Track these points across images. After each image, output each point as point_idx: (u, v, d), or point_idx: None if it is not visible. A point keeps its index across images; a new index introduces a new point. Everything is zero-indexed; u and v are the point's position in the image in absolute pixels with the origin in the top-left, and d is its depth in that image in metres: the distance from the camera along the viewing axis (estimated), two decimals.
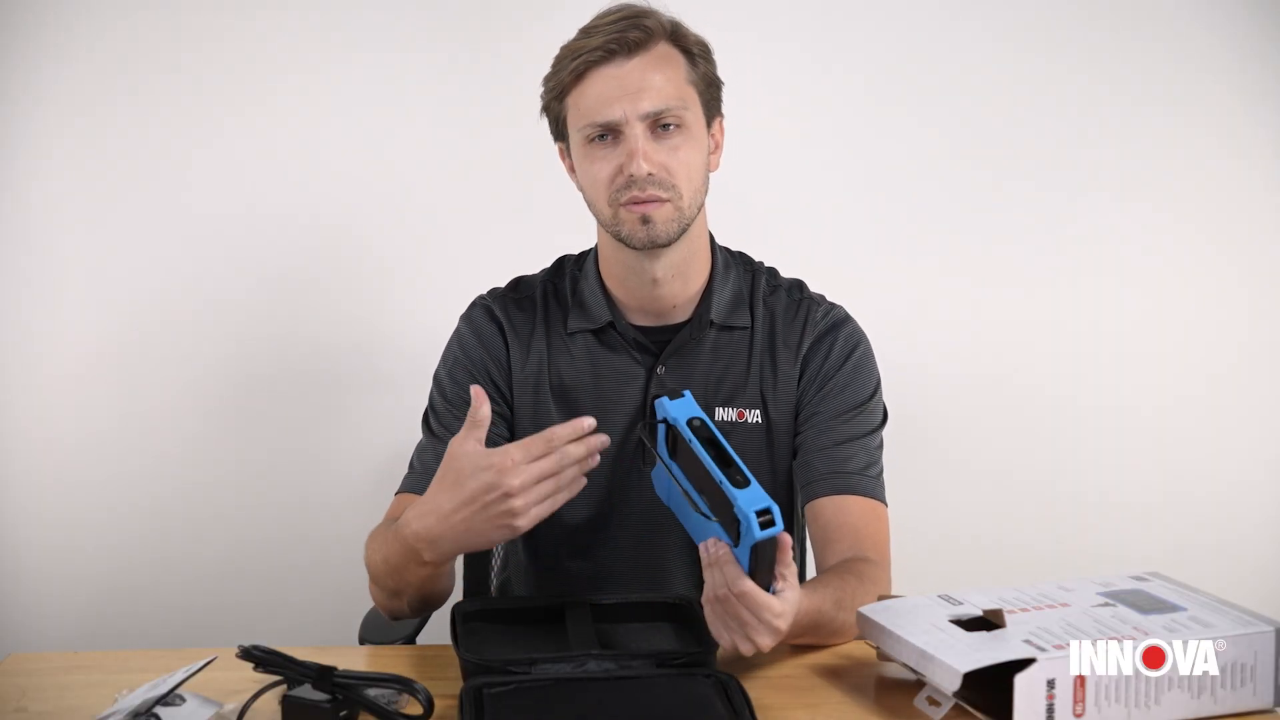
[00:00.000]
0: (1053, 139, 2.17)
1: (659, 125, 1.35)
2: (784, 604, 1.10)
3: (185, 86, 2.07)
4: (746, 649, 1.12)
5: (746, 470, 1.08)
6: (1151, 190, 2.18)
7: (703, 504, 1.11)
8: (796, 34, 2.13)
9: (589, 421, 1.17)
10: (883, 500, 1.44)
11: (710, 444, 1.11)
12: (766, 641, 1.11)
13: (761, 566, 1.07)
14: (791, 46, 2.13)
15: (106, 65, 2.06)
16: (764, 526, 1.05)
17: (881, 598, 1.24)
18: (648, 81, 1.34)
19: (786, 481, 1.49)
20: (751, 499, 1.05)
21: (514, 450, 1.15)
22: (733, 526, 1.07)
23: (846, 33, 2.14)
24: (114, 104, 2.06)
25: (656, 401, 1.16)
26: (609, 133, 1.36)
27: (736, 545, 1.08)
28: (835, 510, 1.41)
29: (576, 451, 1.16)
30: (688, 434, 1.11)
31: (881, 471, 1.46)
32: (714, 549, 1.11)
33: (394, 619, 1.39)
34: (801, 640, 1.24)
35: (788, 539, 1.09)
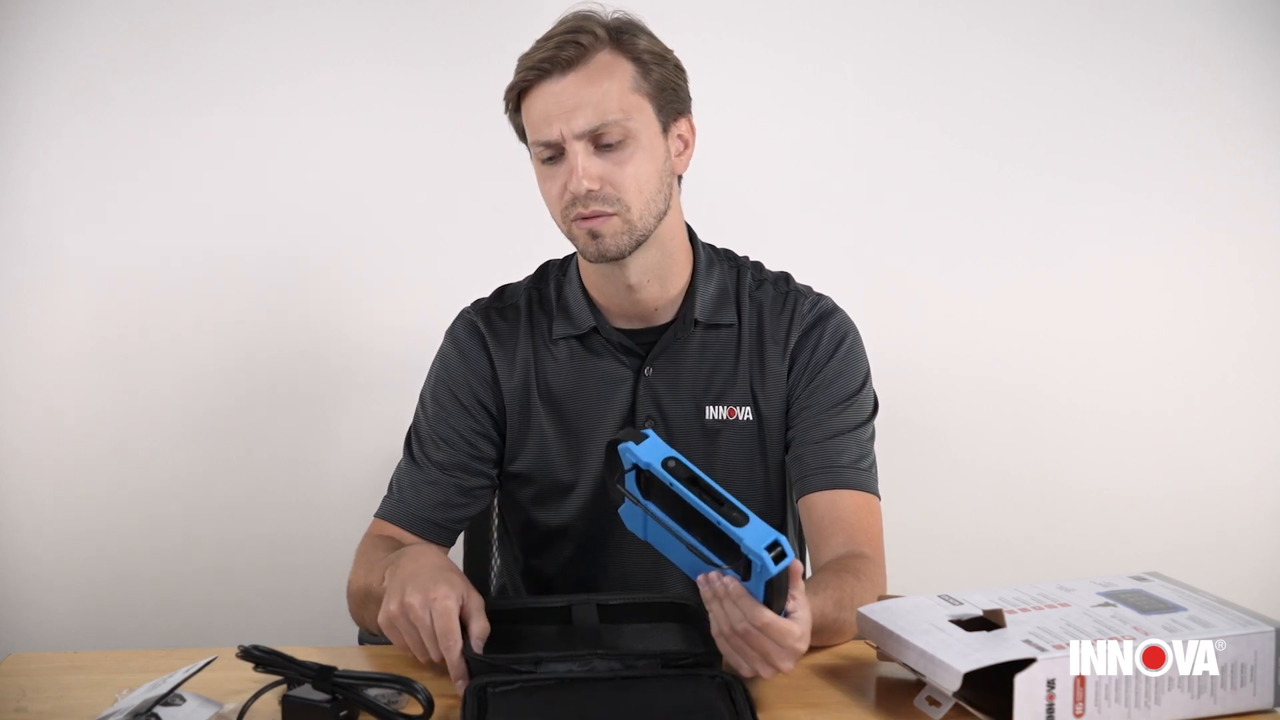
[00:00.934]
0: (1053, 135, 2.17)
1: (602, 141, 1.33)
2: (802, 625, 1.09)
3: (182, 90, 2.08)
4: (769, 674, 1.11)
5: (741, 505, 1.05)
6: (1154, 188, 2.19)
7: (699, 544, 1.08)
8: (793, 30, 2.13)
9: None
10: (875, 493, 1.44)
11: (693, 483, 1.07)
12: (789, 665, 1.10)
13: (777, 597, 1.06)
14: (788, 42, 2.13)
15: (104, 64, 2.06)
16: (776, 560, 1.03)
17: (881, 597, 1.24)
18: (582, 98, 1.32)
19: (779, 476, 1.49)
20: (758, 536, 1.03)
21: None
22: (741, 564, 1.05)
23: (846, 28, 2.14)
24: (112, 103, 2.07)
25: (620, 448, 1.11)
26: (555, 150, 1.35)
27: (746, 579, 1.06)
28: (829, 505, 1.41)
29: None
30: (668, 479, 1.07)
31: (873, 463, 1.46)
32: (719, 584, 1.08)
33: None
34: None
35: (799, 566, 1.08)
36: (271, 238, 2.12)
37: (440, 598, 1.18)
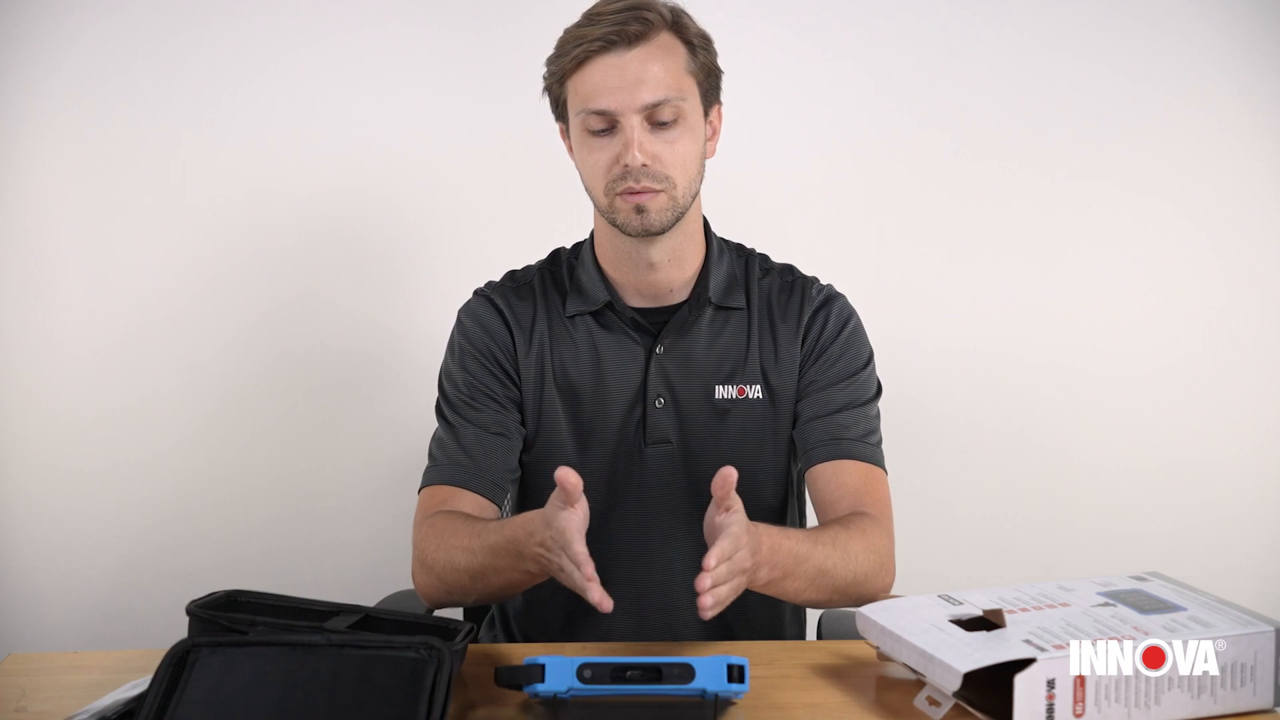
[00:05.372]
0: (1058, 131, 2.17)
1: (657, 118, 1.36)
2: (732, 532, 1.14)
3: (183, 84, 2.08)
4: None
5: (674, 659, 1.06)
6: (1154, 180, 2.18)
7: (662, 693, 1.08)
8: (797, 25, 2.14)
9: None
10: (882, 466, 1.47)
11: (620, 672, 1.06)
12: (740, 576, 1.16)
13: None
14: (792, 37, 2.14)
15: (105, 57, 2.06)
16: (741, 679, 1.06)
17: (834, 568, 1.26)
18: (647, 73, 1.36)
19: (787, 451, 1.51)
20: (712, 677, 1.05)
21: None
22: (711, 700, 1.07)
23: (850, 24, 2.14)
24: (113, 97, 2.07)
25: (526, 688, 1.07)
26: (607, 122, 1.37)
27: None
28: (834, 473, 1.43)
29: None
30: (596, 690, 1.05)
31: (880, 440, 1.49)
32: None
33: (436, 607, 1.40)
34: (793, 587, 1.27)
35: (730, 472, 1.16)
36: (275, 236, 2.12)
37: (552, 531, 1.18)
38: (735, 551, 1.15)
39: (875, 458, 1.46)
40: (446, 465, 1.45)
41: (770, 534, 1.24)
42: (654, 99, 1.35)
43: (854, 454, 1.44)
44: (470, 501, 1.42)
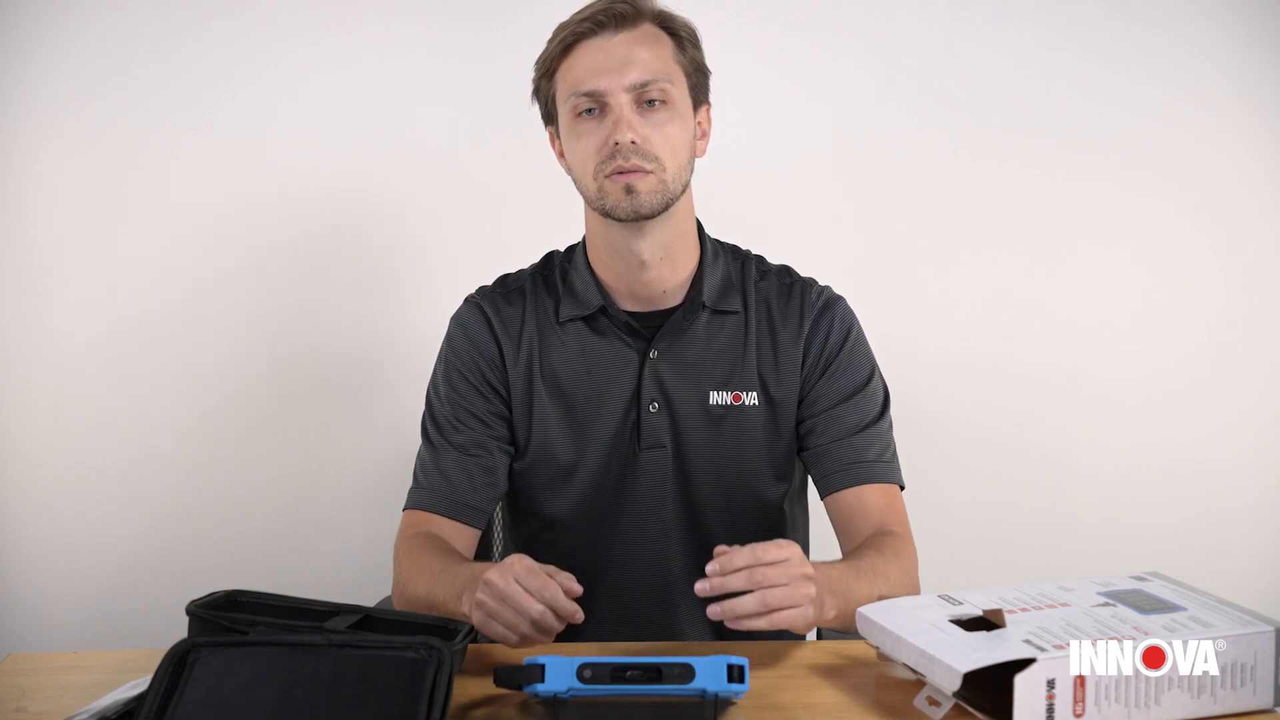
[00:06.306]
0: (1057, 131, 2.16)
1: (645, 100, 1.38)
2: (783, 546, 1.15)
3: (183, 82, 2.07)
4: (790, 603, 1.16)
5: (675, 659, 1.06)
6: (1153, 180, 2.18)
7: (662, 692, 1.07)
8: (794, 23, 2.13)
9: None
10: (899, 482, 1.48)
11: (620, 671, 1.06)
12: (795, 571, 1.15)
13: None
14: (788, 35, 2.14)
15: (106, 54, 2.06)
16: (740, 678, 1.06)
17: (881, 595, 1.25)
18: (634, 55, 1.38)
19: (786, 460, 1.50)
20: (712, 676, 1.05)
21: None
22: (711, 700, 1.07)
23: (848, 23, 2.14)
24: (114, 95, 2.07)
25: (529, 691, 1.07)
26: (596, 105, 1.38)
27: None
28: (855, 498, 1.44)
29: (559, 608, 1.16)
30: (596, 690, 1.06)
31: (895, 453, 1.49)
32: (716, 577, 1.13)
33: None
34: (839, 622, 1.27)
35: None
36: (275, 234, 2.12)
37: (515, 562, 1.18)
38: (770, 553, 1.15)
39: (893, 476, 1.47)
40: (426, 489, 1.47)
41: (825, 568, 1.24)
42: (641, 79, 1.37)
43: (874, 477, 1.45)
44: (447, 527, 1.44)
